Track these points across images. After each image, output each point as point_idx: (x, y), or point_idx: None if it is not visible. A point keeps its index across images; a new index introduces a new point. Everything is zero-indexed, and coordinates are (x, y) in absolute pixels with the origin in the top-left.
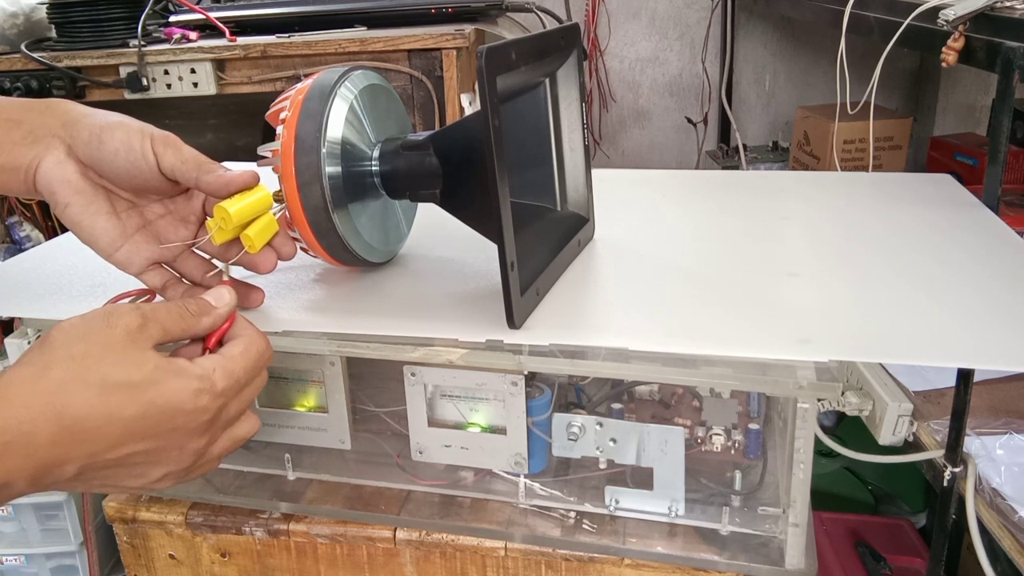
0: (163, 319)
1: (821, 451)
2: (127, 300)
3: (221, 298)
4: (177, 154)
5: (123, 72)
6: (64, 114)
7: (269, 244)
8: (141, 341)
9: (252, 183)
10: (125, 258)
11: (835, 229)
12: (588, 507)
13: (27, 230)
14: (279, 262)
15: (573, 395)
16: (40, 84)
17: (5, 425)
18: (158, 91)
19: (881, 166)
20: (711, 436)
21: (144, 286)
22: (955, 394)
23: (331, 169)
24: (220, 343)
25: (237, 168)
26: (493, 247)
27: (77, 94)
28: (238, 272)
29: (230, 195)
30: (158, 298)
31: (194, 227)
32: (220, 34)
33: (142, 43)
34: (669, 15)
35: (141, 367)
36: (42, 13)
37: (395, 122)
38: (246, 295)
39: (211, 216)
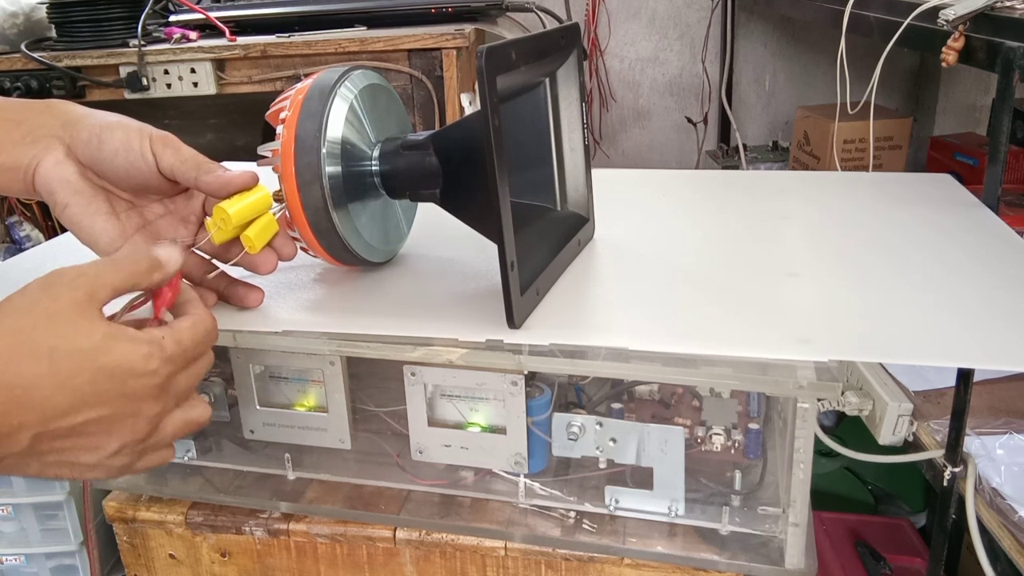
0: (108, 277)
1: (821, 451)
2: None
3: (170, 256)
4: (176, 154)
5: (123, 72)
6: (63, 114)
7: (269, 245)
8: (88, 308)
9: (251, 184)
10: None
11: (835, 229)
12: (588, 507)
13: (27, 230)
14: (279, 262)
15: (573, 395)
16: (40, 84)
17: None
18: (158, 91)
19: (881, 166)
20: (711, 436)
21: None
22: (955, 394)
23: (331, 169)
24: (168, 313)
25: (237, 168)
26: (493, 247)
27: (77, 94)
28: (237, 272)
29: (229, 195)
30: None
31: (194, 227)
32: (220, 34)
33: (142, 43)
34: (669, 15)
35: (90, 335)
36: (42, 13)
37: (395, 122)
38: (245, 295)
39: (211, 216)
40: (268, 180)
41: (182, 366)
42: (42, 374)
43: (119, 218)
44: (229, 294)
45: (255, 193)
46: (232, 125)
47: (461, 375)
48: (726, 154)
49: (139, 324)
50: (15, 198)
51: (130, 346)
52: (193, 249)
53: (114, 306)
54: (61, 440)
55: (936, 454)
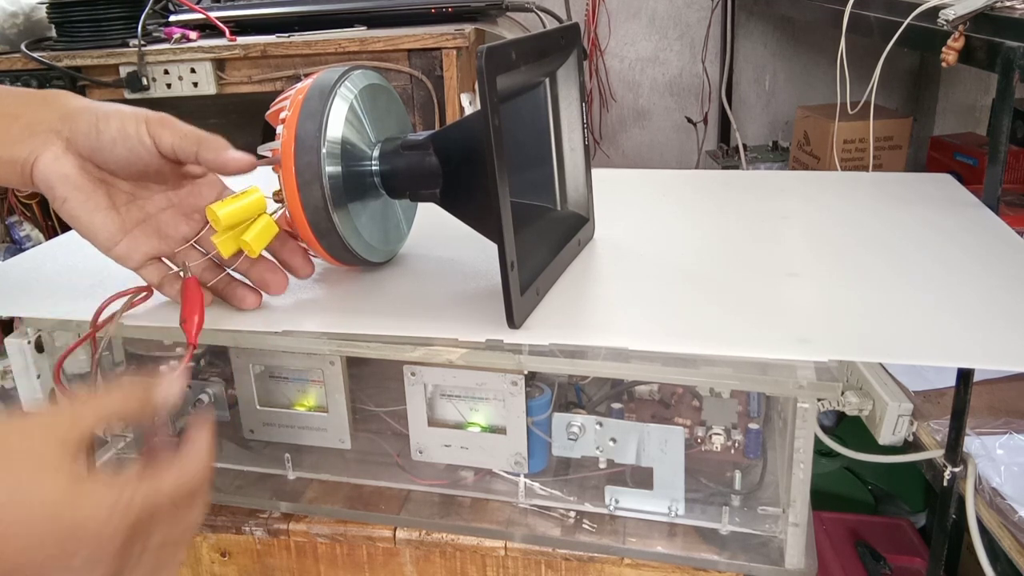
0: (88, 416)
1: (821, 451)
2: (123, 299)
3: (167, 397)
4: (175, 132)
5: (123, 72)
6: (62, 107)
7: (282, 262)
8: (57, 459)
9: (247, 168)
10: (124, 253)
11: (835, 229)
12: (588, 507)
13: (27, 230)
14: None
15: (573, 395)
16: (40, 84)
17: None
18: (158, 91)
19: (881, 166)
20: (711, 436)
21: (140, 284)
22: (955, 394)
23: (331, 169)
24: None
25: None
26: (493, 247)
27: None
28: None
29: (228, 173)
30: (156, 295)
31: (197, 224)
32: (220, 34)
33: (142, 43)
34: (669, 15)
35: (53, 487)
36: (42, 13)
37: (395, 122)
38: (244, 296)
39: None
40: (268, 180)
41: (157, 517)
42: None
43: (119, 212)
44: (228, 294)
45: (248, 196)
46: (232, 125)
47: (461, 375)
48: (726, 154)
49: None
50: (15, 198)
51: (94, 500)
52: (193, 244)
53: (114, 307)
54: None
55: (936, 454)
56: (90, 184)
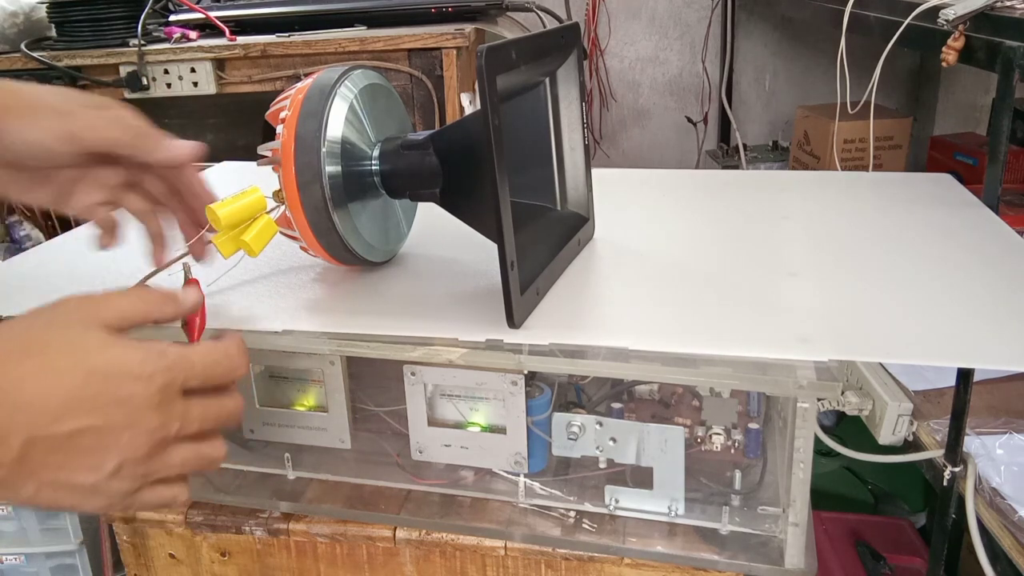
0: (116, 300)
1: (821, 451)
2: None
3: (188, 293)
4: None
5: (123, 71)
6: None
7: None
8: (90, 320)
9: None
10: (79, 210)
11: (835, 229)
12: (588, 506)
13: (27, 230)
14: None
15: (573, 394)
16: (40, 83)
17: None
18: (158, 90)
19: (881, 166)
20: (711, 436)
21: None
22: (955, 394)
23: (331, 168)
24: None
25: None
26: (493, 246)
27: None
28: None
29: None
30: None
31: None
32: (220, 33)
33: (142, 42)
34: (669, 14)
35: (85, 337)
36: (42, 12)
37: (395, 121)
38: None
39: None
40: (268, 180)
41: (190, 383)
42: (32, 371)
43: (54, 183)
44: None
45: (248, 195)
46: (232, 125)
47: (461, 375)
48: (726, 154)
49: None
50: None
51: (126, 349)
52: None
53: None
54: (55, 452)
55: (936, 454)
56: (17, 173)
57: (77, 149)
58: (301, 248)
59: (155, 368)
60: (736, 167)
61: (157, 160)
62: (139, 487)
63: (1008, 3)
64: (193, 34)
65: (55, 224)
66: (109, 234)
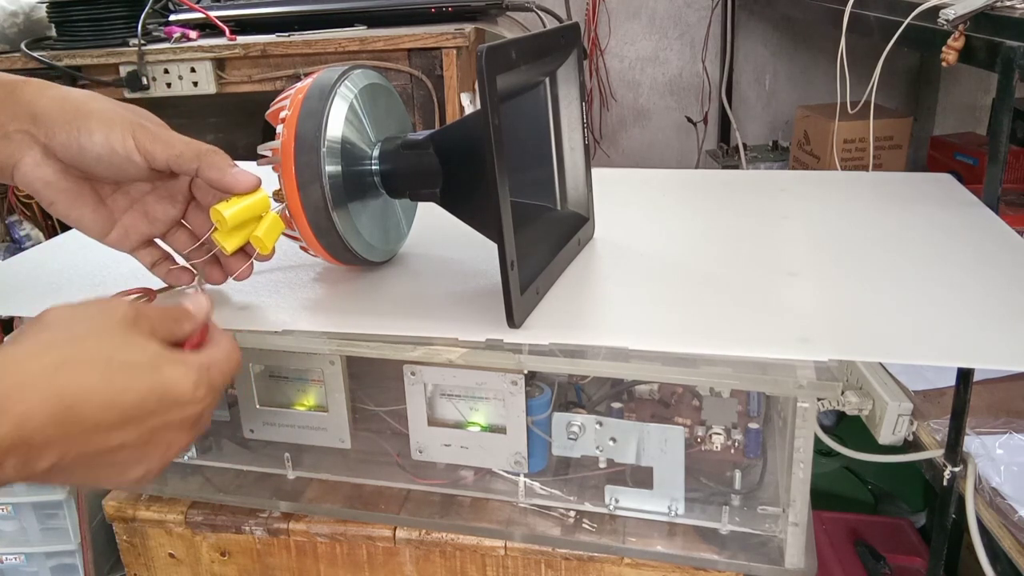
0: (152, 318)
1: (821, 450)
2: (129, 299)
3: (200, 306)
4: (168, 149)
5: (123, 71)
6: (30, 103)
7: (243, 251)
8: (138, 327)
9: (253, 188)
10: (117, 240)
11: (835, 228)
12: (588, 506)
13: (27, 229)
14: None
15: (573, 394)
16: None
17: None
18: (158, 90)
19: (881, 165)
20: (711, 435)
21: (143, 286)
22: (955, 393)
23: (331, 168)
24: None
25: (242, 166)
26: (493, 246)
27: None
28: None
29: (234, 193)
30: (158, 298)
31: (181, 205)
32: (220, 33)
33: (142, 42)
34: (669, 14)
35: (144, 350)
36: (42, 12)
37: (395, 121)
38: (211, 273)
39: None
40: (268, 179)
41: (215, 397)
42: (95, 385)
43: (106, 204)
44: (205, 270)
45: (252, 195)
46: (232, 124)
47: (461, 374)
48: (726, 153)
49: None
50: (15, 197)
51: (182, 369)
52: (183, 222)
53: None
54: (92, 459)
55: (936, 454)
56: (75, 185)
57: (149, 162)
58: (301, 248)
59: (206, 390)
60: (736, 167)
61: (222, 185)
62: (149, 481)
63: (1008, 3)
64: (193, 34)
65: (55, 224)
66: (167, 261)
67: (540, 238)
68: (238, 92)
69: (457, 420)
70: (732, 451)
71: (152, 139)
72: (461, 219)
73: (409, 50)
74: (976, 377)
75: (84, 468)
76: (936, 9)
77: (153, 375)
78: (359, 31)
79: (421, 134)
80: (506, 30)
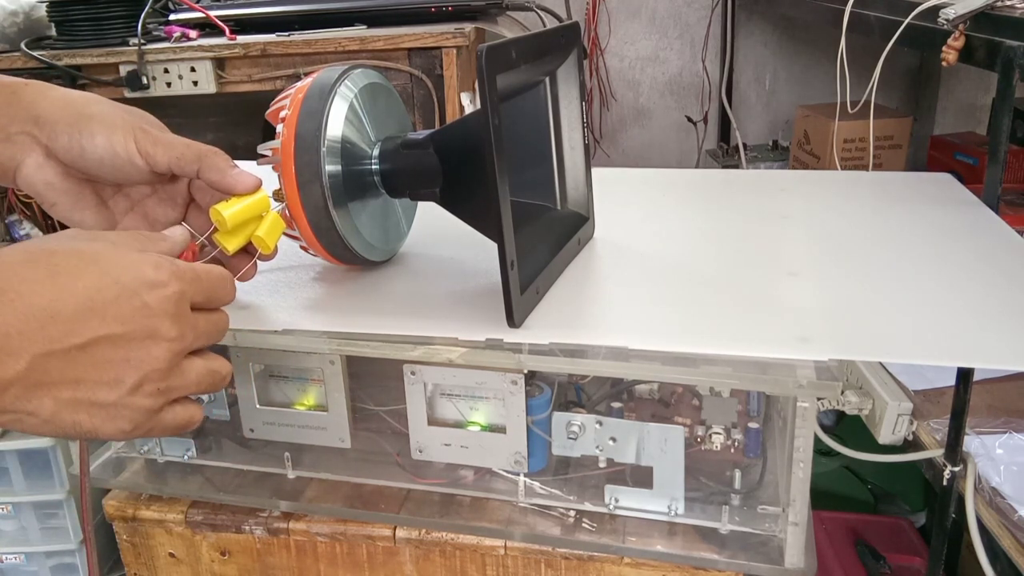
0: (122, 238)
1: (821, 450)
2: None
3: (175, 233)
4: (169, 151)
5: (123, 70)
6: (32, 105)
7: (246, 251)
8: (95, 235)
9: (254, 189)
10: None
11: (835, 228)
12: (588, 506)
13: (27, 229)
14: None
15: (573, 394)
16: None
17: None
18: (158, 89)
19: (881, 165)
20: (711, 435)
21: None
22: (955, 393)
23: (331, 168)
24: None
25: (242, 166)
26: (493, 246)
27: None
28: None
29: (234, 194)
30: None
31: (181, 208)
32: (220, 32)
33: (142, 41)
34: (669, 14)
35: (92, 241)
36: (42, 11)
37: (395, 121)
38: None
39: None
40: (268, 179)
41: (197, 294)
42: (40, 278)
43: (107, 206)
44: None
45: (252, 195)
46: (232, 124)
47: (461, 374)
48: (726, 153)
49: None
50: (15, 197)
51: (137, 254)
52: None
53: None
54: (71, 366)
55: (936, 453)
56: (76, 187)
57: (150, 165)
58: (301, 247)
59: (169, 276)
60: (736, 167)
61: (223, 187)
62: (161, 405)
63: (1008, 3)
64: (193, 33)
65: (55, 224)
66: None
67: (540, 238)
68: (238, 92)
69: (457, 420)
70: (732, 451)
71: (153, 142)
72: (461, 219)
73: (409, 50)
74: (976, 377)
75: (73, 378)
76: (936, 9)
77: (108, 263)
78: (359, 31)
79: (421, 134)
80: (506, 30)
